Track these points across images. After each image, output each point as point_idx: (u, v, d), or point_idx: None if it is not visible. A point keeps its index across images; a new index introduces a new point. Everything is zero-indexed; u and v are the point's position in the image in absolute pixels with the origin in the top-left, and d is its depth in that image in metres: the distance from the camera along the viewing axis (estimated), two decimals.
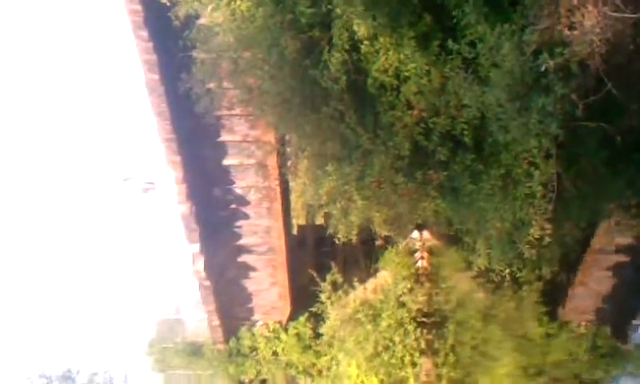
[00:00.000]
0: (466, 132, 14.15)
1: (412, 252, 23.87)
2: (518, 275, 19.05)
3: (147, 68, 18.01)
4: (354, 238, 19.41)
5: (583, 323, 25.59)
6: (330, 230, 18.34)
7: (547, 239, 14.96)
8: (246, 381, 28.36)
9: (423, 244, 23.75)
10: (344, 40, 14.27)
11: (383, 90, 14.71)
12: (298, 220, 29.89)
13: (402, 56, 14.14)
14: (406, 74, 14.34)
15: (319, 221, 29.85)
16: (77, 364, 36.68)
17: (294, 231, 27.86)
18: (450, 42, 13.40)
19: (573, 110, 12.96)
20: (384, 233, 22.32)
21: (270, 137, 19.45)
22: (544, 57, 12.45)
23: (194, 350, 27.65)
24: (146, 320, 28.54)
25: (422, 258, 23.80)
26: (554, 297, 24.51)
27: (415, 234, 23.76)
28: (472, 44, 13.26)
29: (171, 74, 17.58)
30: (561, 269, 22.41)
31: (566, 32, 12.75)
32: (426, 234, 23.69)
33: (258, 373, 27.25)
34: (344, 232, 17.95)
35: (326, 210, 23.44)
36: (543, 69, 12.53)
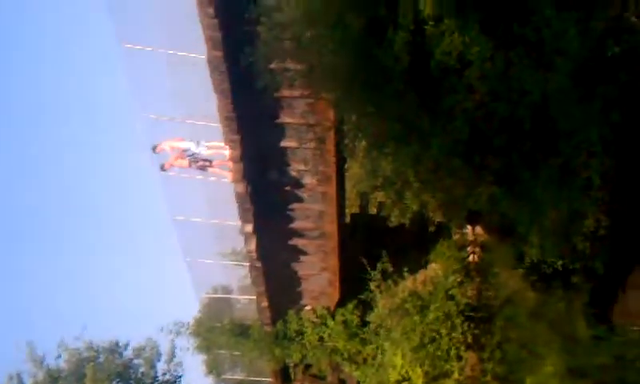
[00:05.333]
0: (526, 119, 14.13)
1: (464, 246, 23.82)
2: (569, 271, 18.94)
3: (211, 45, 18.09)
4: (407, 225, 19.45)
5: (634, 327, 25.26)
6: (384, 214, 18.38)
7: (602, 231, 14.91)
8: (291, 364, 28.54)
9: (475, 239, 23.69)
10: (409, 20, 14.34)
11: (445, 73, 14.74)
12: (352, 209, 29.97)
13: (466, 39, 14.17)
14: (470, 57, 14.37)
15: (372, 211, 29.92)
16: (124, 337, 37.26)
17: (347, 219, 27.89)
18: (515, 27, 13.41)
19: (637, 98, 12.92)
20: (437, 219, 22.24)
21: (329, 116, 19.44)
22: (610, 43, 12.43)
23: (241, 331, 27.81)
24: (194, 298, 28.76)
25: (474, 252, 23.74)
26: (604, 299, 24.21)
27: (467, 228, 23.72)
28: (537, 29, 13.27)
29: (234, 52, 17.71)
30: (613, 270, 22.16)
31: (634, 19, 12.73)
32: (478, 228, 23.63)
33: (304, 357, 27.33)
34: (398, 216, 18.01)
35: (381, 197, 23.49)
36: (608, 55, 12.51)
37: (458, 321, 22.17)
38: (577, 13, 12.59)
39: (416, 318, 22.28)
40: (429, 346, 22.17)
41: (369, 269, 23.55)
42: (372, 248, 25.12)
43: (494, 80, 14.22)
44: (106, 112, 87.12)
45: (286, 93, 19.57)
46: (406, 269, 23.52)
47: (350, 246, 25.30)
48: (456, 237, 24.06)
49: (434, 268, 23.96)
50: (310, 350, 27.00)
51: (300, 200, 23.01)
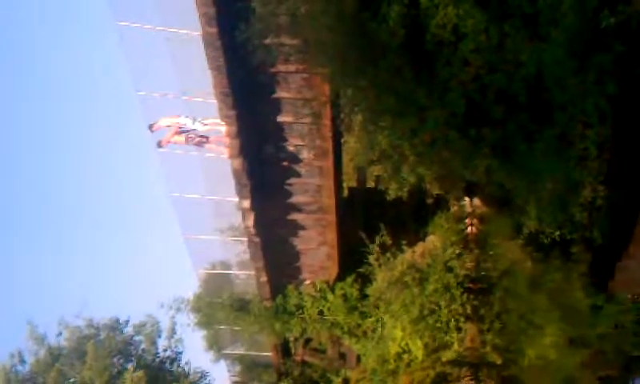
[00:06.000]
0: (521, 91, 14.09)
1: (461, 218, 23.82)
2: (567, 241, 18.93)
3: (205, 21, 18.03)
4: (405, 198, 19.44)
5: (631, 296, 25.36)
6: (382, 187, 18.37)
7: (599, 201, 14.91)
8: (291, 338, 28.64)
9: (473, 210, 23.68)
10: None
11: (440, 46, 14.68)
12: (349, 183, 29.94)
13: (461, 11, 14.12)
14: (464, 30, 14.32)
15: (370, 184, 29.89)
16: (125, 314, 37.33)
17: (345, 193, 27.89)
18: None
19: (632, 69, 12.90)
20: (435, 191, 22.26)
21: (325, 90, 19.37)
22: (605, 14, 12.40)
23: (241, 306, 27.84)
24: (193, 274, 28.82)
25: (472, 224, 23.73)
26: (603, 269, 24.29)
27: (465, 200, 23.72)
28: (532, 0, 13.22)
29: (229, 29, 17.66)
30: (611, 240, 22.19)
31: None
32: (476, 200, 23.62)
33: (304, 331, 27.42)
34: (395, 189, 18.00)
35: (377, 171, 23.43)
36: (603, 26, 12.48)
37: (457, 292, 22.19)
38: None
39: (415, 290, 22.29)
40: (428, 318, 22.20)
41: (367, 242, 23.56)
42: (370, 221, 25.15)
43: (489, 52, 14.19)
44: (102, 90, 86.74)
45: (281, 68, 19.55)
46: (404, 241, 23.52)
47: (348, 219, 25.31)
48: (454, 209, 24.02)
49: (433, 240, 23.94)
50: (310, 324, 27.07)
51: (297, 175, 23.01)
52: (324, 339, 28.38)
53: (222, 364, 33.97)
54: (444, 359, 22.29)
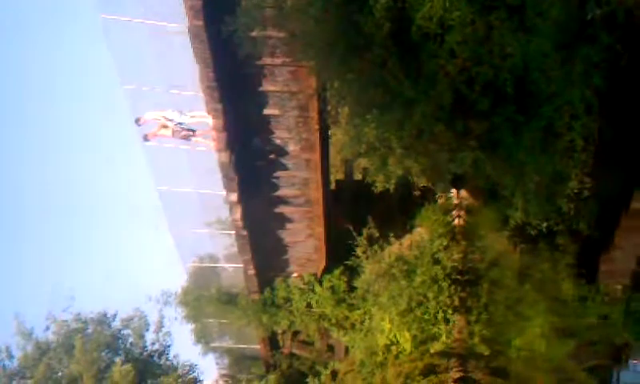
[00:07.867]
0: (508, 82, 14.08)
1: (449, 210, 23.85)
2: (554, 232, 18.96)
3: (192, 14, 17.98)
4: (392, 190, 19.44)
5: (618, 287, 25.45)
6: (369, 179, 18.33)
7: (586, 193, 14.93)
8: (279, 331, 28.66)
9: (460, 203, 23.71)
10: None
11: (427, 38, 14.64)
12: (337, 175, 29.91)
13: (447, 3, 14.08)
14: (451, 22, 14.28)
15: (357, 177, 29.88)
16: (112, 308, 37.13)
17: (332, 186, 27.87)
18: None
19: (618, 60, 12.91)
20: (422, 184, 22.24)
21: (312, 83, 19.36)
22: (591, 5, 12.40)
23: (229, 299, 27.88)
24: (181, 268, 28.78)
25: (459, 216, 23.77)
26: (589, 259, 24.36)
27: (452, 192, 23.74)
28: None
29: (215, 22, 17.59)
30: (598, 231, 22.26)
31: None
32: (463, 192, 23.65)
33: (292, 324, 27.49)
34: (382, 181, 17.96)
35: (365, 163, 23.43)
36: (589, 17, 12.48)
37: (444, 284, 22.23)
38: None
39: (403, 282, 22.32)
40: (416, 309, 22.24)
41: (355, 235, 23.59)
42: (357, 214, 25.20)
43: (476, 44, 14.15)
44: (87, 84, 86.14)
45: (267, 61, 19.51)
46: (391, 234, 23.57)
47: (335, 212, 25.33)
48: (441, 201, 24.05)
49: (420, 232, 23.98)
50: (297, 317, 27.14)
51: (284, 168, 23.01)
52: (312, 331, 28.39)
53: (211, 357, 34.01)
54: (432, 351, 22.34)
